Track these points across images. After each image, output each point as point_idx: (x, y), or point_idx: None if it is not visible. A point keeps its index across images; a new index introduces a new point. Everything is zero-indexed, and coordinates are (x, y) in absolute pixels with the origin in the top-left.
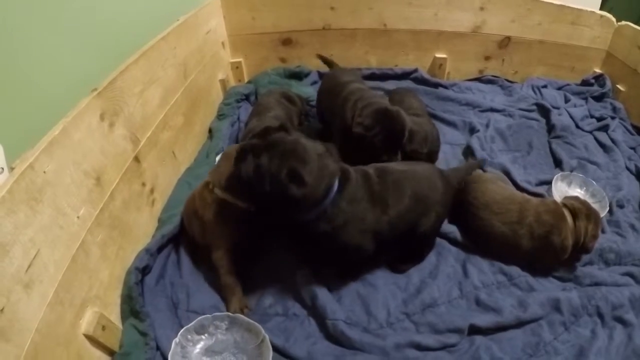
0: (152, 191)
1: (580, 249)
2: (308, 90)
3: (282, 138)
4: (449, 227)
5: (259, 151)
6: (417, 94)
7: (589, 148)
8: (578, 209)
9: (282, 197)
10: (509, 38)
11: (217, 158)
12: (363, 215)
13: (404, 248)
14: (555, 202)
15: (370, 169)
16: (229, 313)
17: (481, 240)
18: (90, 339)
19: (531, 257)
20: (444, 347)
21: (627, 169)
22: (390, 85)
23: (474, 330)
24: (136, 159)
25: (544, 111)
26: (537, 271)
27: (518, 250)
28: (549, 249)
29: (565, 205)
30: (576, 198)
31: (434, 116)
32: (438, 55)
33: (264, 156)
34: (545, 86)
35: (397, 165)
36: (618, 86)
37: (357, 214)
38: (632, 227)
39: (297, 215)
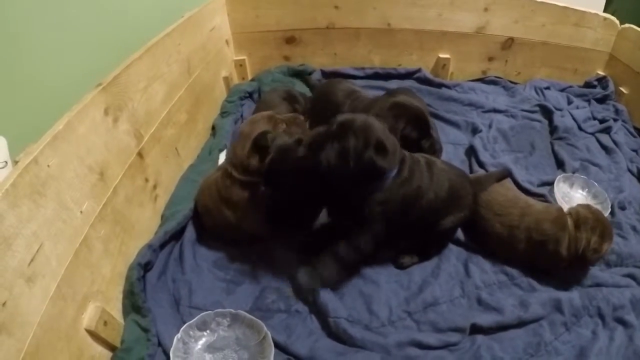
0: (155, 187)
1: (579, 259)
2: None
3: (352, 118)
4: None
5: (334, 136)
6: (418, 94)
7: (591, 150)
8: (584, 219)
9: (368, 171)
10: (512, 39)
11: (221, 155)
12: (407, 193)
13: (415, 242)
14: (560, 209)
15: (421, 157)
16: (231, 310)
17: (480, 238)
18: (92, 334)
19: (527, 261)
20: (446, 346)
21: (629, 171)
22: (393, 84)
23: (476, 329)
24: (139, 154)
25: (546, 112)
26: (538, 271)
27: (514, 252)
28: (543, 256)
29: (570, 213)
30: (588, 207)
31: (436, 116)
32: (441, 55)
33: (346, 138)
34: (548, 88)
35: (440, 162)
36: (621, 88)
37: (405, 191)
38: (634, 228)
39: (371, 188)
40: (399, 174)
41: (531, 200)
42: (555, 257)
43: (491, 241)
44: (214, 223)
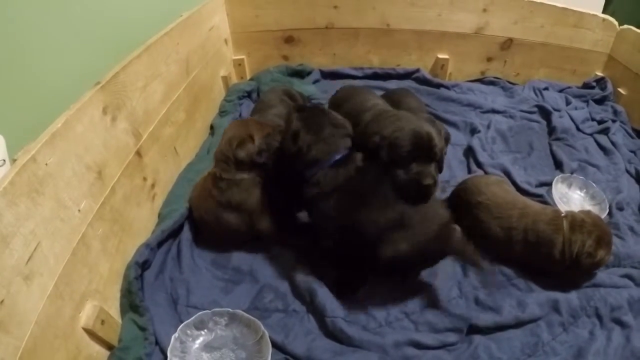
0: (153, 186)
1: (573, 263)
2: (310, 88)
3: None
4: None
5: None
6: (417, 94)
7: (589, 150)
8: (580, 222)
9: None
10: (511, 40)
11: None
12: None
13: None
14: (556, 211)
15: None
16: (228, 309)
17: (479, 241)
18: (90, 332)
19: (525, 263)
20: (443, 346)
21: (627, 172)
22: (392, 85)
23: (473, 329)
24: (138, 153)
25: (545, 113)
26: (535, 272)
27: (512, 254)
28: (539, 258)
29: (566, 216)
30: (588, 212)
31: (435, 116)
32: (440, 55)
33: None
34: (546, 88)
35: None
36: (619, 89)
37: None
38: (632, 229)
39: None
40: (338, 167)
41: (529, 202)
42: (548, 260)
43: (490, 244)
44: (216, 231)
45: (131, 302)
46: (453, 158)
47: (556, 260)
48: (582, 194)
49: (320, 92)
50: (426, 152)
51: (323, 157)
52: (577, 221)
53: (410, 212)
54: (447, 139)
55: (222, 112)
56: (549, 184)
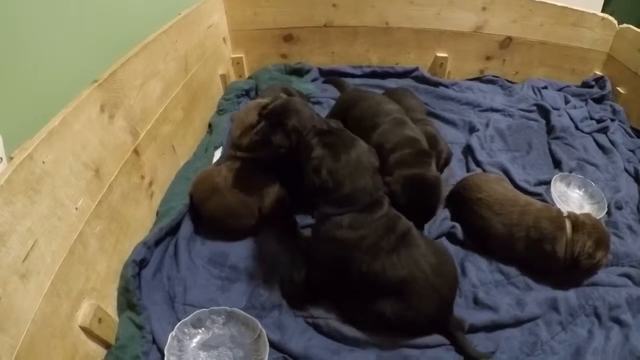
0: (150, 184)
1: (573, 263)
2: (309, 86)
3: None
4: (450, 223)
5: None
6: (416, 93)
7: (588, 149)
8: (581, 223)
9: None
10: (510, 38)
11: (217, 152)
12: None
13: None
14: (559, 211)
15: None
16: (226, 307)
17: (479, 238)
18: (86, 331)
19: (525, 261)
20: (442, 345)
21: (626, 170)
22: (391, 83)
23: (472, 329)
24: (135, 151)
25: (543, 112)
26: (534, 271)
27: (513, 252)
28: (540, 255)
29: (569, 216)
30: (587, 215)
31: (434, 115)
32: (439, 54)
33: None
34: (545, 87)
35: (425, 247)
36: (618, 89)
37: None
38: (630, 228)
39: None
40: (360, 213)
41: (530, 199)
42: (551, 258)
43: (491, 241)
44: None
45: (128, 301)
46: (452, 157)
47: (557, 258)
48: (581, 193)
49: (319, 91)
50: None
51: (356, 196)
52: (579, 223)
53: (412, 282)
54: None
55: (220, 111)
56: (547, 183)
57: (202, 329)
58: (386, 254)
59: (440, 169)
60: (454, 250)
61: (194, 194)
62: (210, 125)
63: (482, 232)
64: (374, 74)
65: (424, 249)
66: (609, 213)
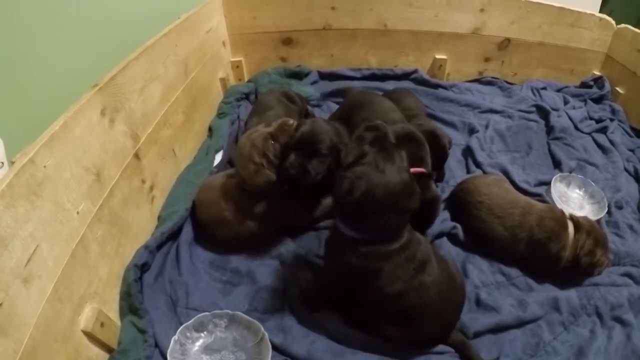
0: (151, 188)
1: (574, 262)
2: (308, 89)
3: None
4: (451, 224)
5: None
6: (415, 94)
7: (587, 149)
8: (581, 224)
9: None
10: (508, 40)
11: (217, 156)
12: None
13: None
14: (561, 211)
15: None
16: (228, 311)
17: (480, 241)
18: (89, 335)
19: (527, 262)
20: (447, 352)
21: (626, 170)
22: (390, 85)
23: (476, 334)
24: (136, 155)
25: (543, 113)
26: (535, 271)
27: (515, 253)
28: (544, 255)
29: (570, 217)
30: (585, 217)
31: (433, 116)
32: (438, 56)
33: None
34: (544, 88)
35: (439, 273)
36: (617, 88)
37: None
38: (631, 228)
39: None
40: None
41: (531, 200)
42: (555, 257)
43: (492, 243)
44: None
45: (130, 305)
46: (452, 158)
47: (560, 258)
48: (581, 193)
49: (318, 94)
50: None
51: (380, 230)
52: (580, 224)
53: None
54: (449, 143)
55: (220, 114)
56: (547, 183)
57: (205, 332)
58: (402, 282)
59: (442, 161)
60: (455, 251)
61: (198, 217)
62: (210, 129)
63: (482, 235)
64: (373, 77)
65: (438, 276)
66: (609, 213)
